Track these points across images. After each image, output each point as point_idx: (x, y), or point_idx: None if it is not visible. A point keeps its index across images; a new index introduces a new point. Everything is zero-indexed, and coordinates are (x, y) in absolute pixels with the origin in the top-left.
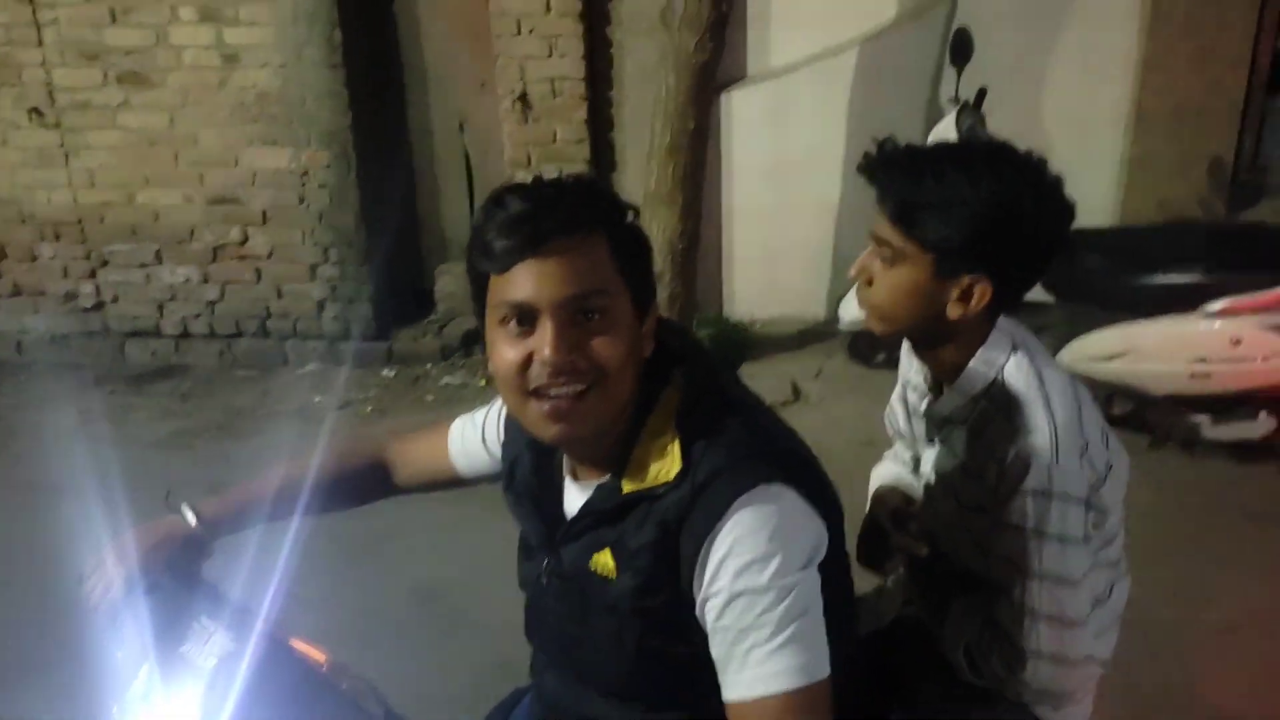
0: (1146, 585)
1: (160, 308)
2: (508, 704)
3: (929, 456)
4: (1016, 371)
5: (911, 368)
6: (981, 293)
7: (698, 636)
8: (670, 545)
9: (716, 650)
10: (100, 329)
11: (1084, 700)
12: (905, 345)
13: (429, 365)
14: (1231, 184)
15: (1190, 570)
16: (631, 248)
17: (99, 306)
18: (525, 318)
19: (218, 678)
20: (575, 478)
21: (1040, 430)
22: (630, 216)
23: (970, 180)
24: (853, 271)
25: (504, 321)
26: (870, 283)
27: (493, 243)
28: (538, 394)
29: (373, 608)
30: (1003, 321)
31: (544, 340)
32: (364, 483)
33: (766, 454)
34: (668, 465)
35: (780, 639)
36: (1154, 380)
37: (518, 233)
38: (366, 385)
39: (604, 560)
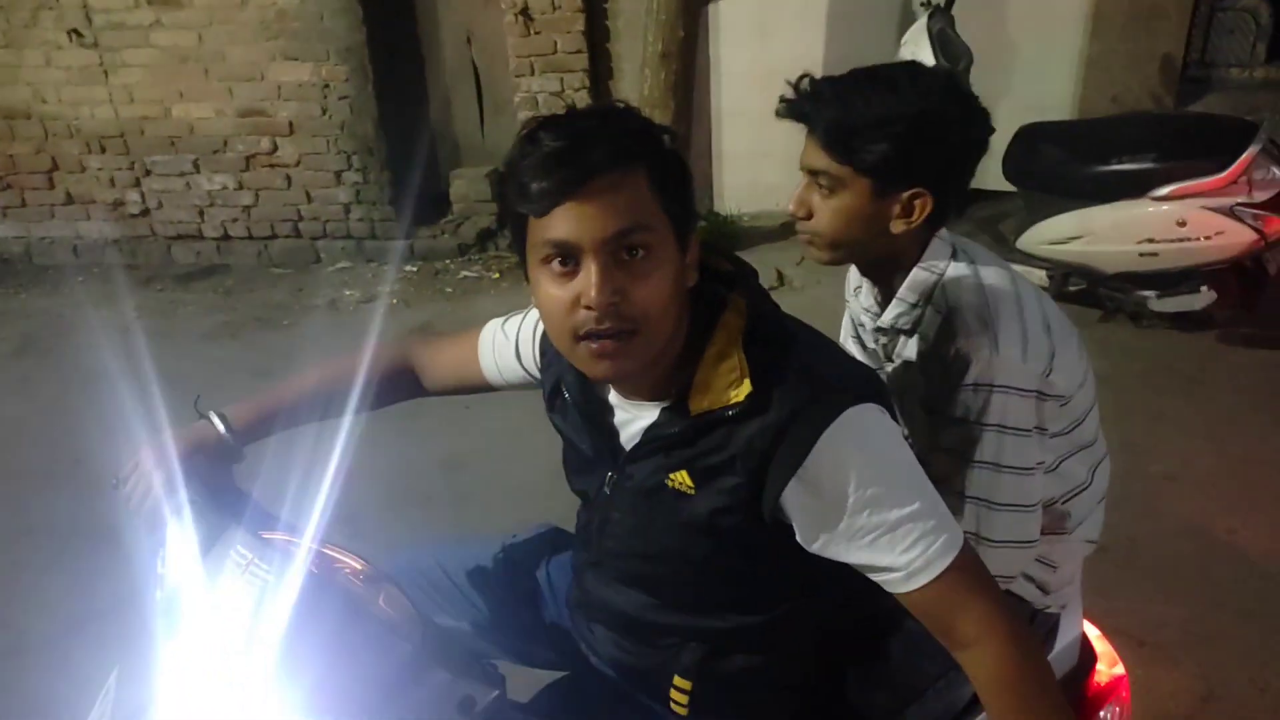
0: None
1: (201, 213)
2: (540, 545)
3: (890, 373)
4: (956, 275)
5: (859, 299)
6: (922, 205)
7: (761, 554)
8: (756, 472)
9: (859, 558)
10: (148, 233)
11: (1073, 579)
12: (850, 283)
13: (447, 261)
14: (1180, 80)
15: (1136, 428)
16: (672, 177)
17: (145, 213)
18: (568, 258)
19: (255, 612)
20: (625, 395)
21: (979, 327)
22: (669, 142)
23: (898, 99)
24: (791, 207)
25: (546, 260)
26: (809, 215)
27: (529, 185)
28: (585, 337)
29: (404, 477)
30: (944, 232)
31: (589, 281)
32: (393, 386)
33: (841, 379)
34: (736, 387)
35: (914, 532)
36: (1106, 259)
37: (555, 173)
38: (391, 280)
39: (682, 478)
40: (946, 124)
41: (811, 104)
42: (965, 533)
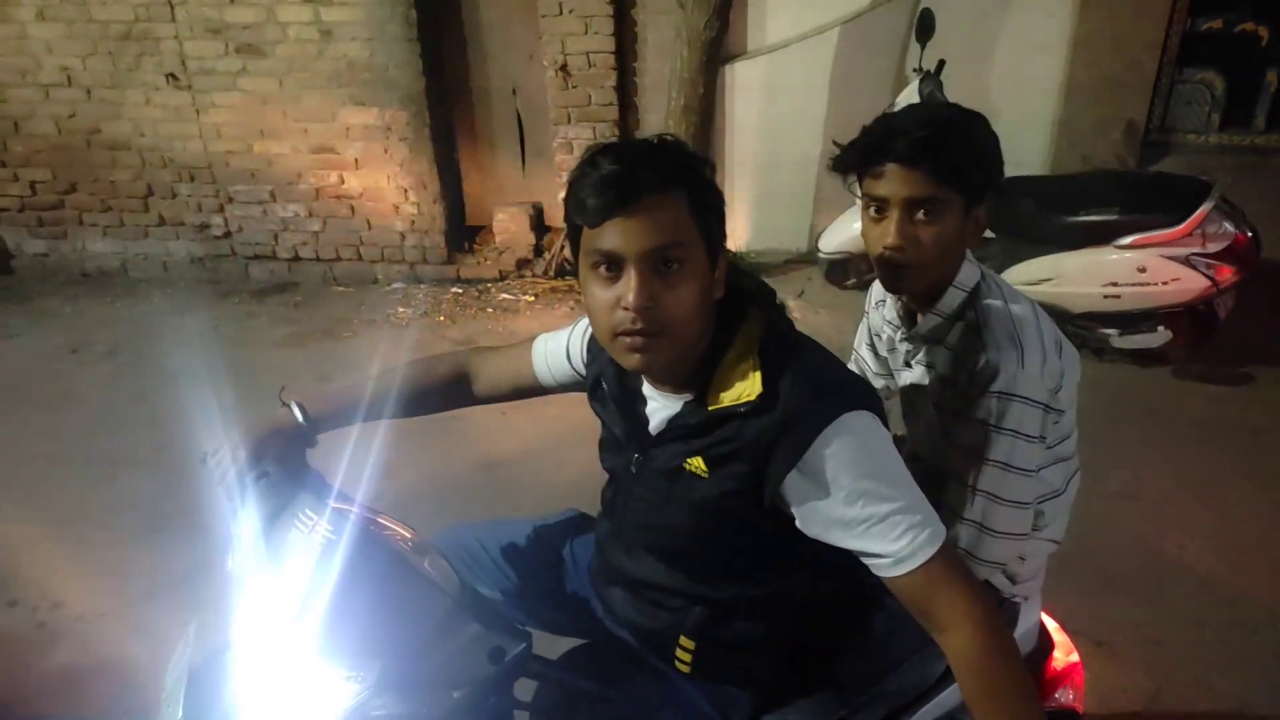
0: None
1: (275, 236)
2: (565, 527)
3: (907, 377)
4: (987, 295)
5: (880, 312)
6: (985, 218)
7: (759, 535)
8: (761, 461)
9: (852, 544)
10: (228, 253)
11: (1038, 573)
12: (872, 297)
13: (488, 284)
14: (1143, 143)
15: (1097, 451)
16: (708, 202)
17: (227, 235)
18: (613, 265)
19: (318, 566)
20: (656, 388)
21: (1007, 343)
22: (708, 173)
23: (976, 132)
24: (896, 242)
25: (595, 266)
26: (912, 245)
27: (586, 200)
28: (621, 334)
29: (447, 474)
30: (970, 257)
31: (629, 287)
32: (448, 394)
33: (841, 387)
34: (749, 387)
35: (902, 524)
36: (1074, 300)
37: (608, 193)
38: (439, 300)
39: (697, 463)
40: (997, 148)
41: (905, 142)
42: (970, 522)
